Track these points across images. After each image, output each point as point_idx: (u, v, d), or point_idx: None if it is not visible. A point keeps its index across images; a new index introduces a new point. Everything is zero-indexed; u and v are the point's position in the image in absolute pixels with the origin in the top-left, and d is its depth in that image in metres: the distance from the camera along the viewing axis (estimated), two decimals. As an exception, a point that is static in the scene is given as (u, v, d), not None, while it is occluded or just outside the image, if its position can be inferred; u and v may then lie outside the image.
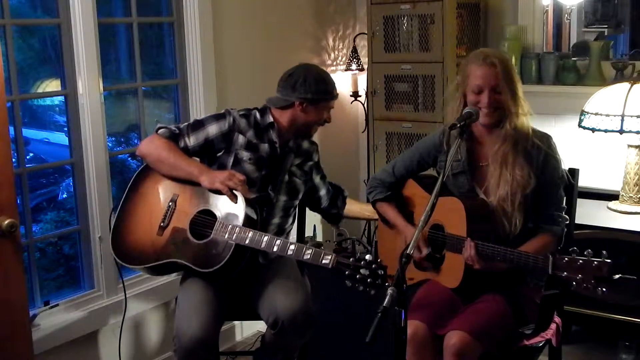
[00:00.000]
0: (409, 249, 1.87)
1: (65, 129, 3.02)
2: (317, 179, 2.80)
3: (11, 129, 2.65)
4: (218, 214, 2.45)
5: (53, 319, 2.86)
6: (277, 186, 2.62)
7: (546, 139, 2.40)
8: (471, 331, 2.20)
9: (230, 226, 2.40)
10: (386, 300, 1.73)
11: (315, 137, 4.07)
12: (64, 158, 3.07)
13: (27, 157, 3.08)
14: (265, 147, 2.61)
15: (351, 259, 2.22)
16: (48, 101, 3.21)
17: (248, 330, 3.67)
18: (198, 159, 2.63)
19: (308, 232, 3.18)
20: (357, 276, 2.20)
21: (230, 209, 2.43)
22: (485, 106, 2.33)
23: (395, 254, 2.01)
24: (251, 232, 2.37)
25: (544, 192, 2.37)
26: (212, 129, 2.57)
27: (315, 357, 3.00)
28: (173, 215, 2.51)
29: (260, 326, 2.56)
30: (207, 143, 2.57)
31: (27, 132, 3.07)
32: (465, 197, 2.41)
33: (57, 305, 2.90)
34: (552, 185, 2.38)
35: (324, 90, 2.60)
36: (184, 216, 2.49)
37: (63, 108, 3.02)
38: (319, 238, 3.54)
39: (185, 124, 2.62)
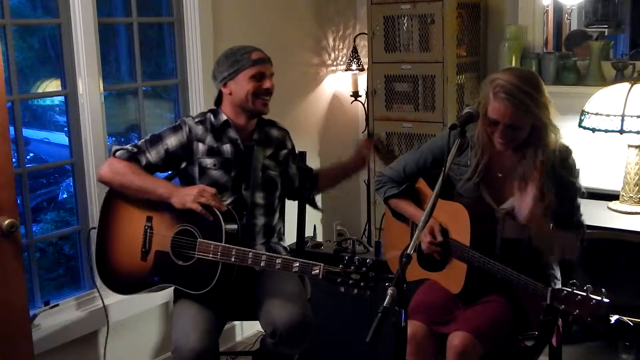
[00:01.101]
0: (409, 249, 1.86)
1: (66, 129, 3.02)
2: (293, 169, 2.72)
3: (11, 129, 2.65)
4: (197, 232, 2.40)
5: (53, 319, 2.86)
6: (251, 184, 2.57)
7: (565, 154, 2.35)
8: (474, 332, 2.20)
9: (212, 245, 2.35)
10: (386, 300, 1.72)
11: (315, 136, 4.10)
12: (64, 158, 3.07)
13: (28, 157, 3.08)
14: (227, 147, 2.56)
15: (340, 266, 2.21)
16: (48, 101, 3.21)
17: (248, 330, 3.67)
18: (163, 175, 2.58)
19: (308, 232, 3.17)
20: (350, 282, 2.19)
21: (208, 225, 2.37)
22: (497, 139, 2.29)
23: (403, 243, 2.00)
24: (235, 249, 2.33)
25: (564, 203, 2.32)
26: (171, 141, 2.53)
27: (316, 357, 3.01)
28: (152, 239, 2.47)
29: (260, 326, 2.56)
30: (169, 156, 2.52)
31: (28, 132, 3.08)
32: (472, 203, 2.37)
33: (57, 305, 2.90)
34: (570, 197, 2.34)
35: (232, 61, 2.52)
36: (163, 239, 2.45)
37: (63, 108, 3.02)
38: (319, 238, 3.54)
39: (143, 140, 2.57)
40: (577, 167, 2.37)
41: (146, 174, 2.47)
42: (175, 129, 2.56)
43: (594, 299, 1.96)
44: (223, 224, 2.36)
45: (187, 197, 2.38)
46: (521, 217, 2.27)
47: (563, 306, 2.01)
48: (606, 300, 1.95)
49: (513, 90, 2.20)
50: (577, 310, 1.98)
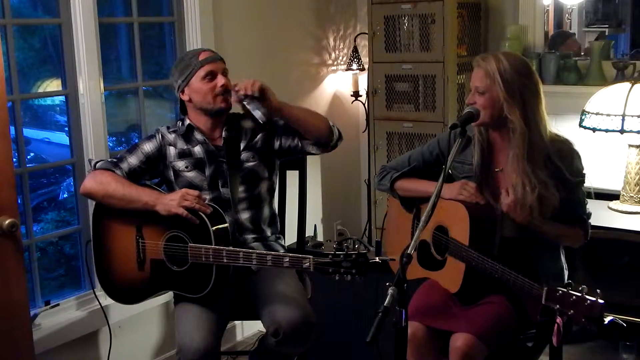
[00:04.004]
0: (409, 249, 1.87)
1: (66, 128, 3.02)
2: (277, 143, 2.63)
3: (12, 128, 2.65)
4: (187, 237, 2.41)
5: (54, 318, 2.87)
6: (227, 180, 2.57)
7: (567, 148, 2.35)
8: (477, 333, 2.20)
9: (203, 249, 2.36)
10: (387, 300, 1.72)
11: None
12: (64, 158, 3.07)
13: (28, 157, 3.08)
14: (197, 149, 2.58)
15: (329, 256, 2.22)
16: (49, 101, 3.21)
17: (248, 330, 3.67)
18: (147, 183, 2.59)
19: (309, 232, 3.17)
20: (341, 270, 2.20)
21: (196, 229, 2.38)
22: (468, 104, 2.34)
23: (404, 243, 2.01)
24: (225, 250, 2.34)
25: (568, 199, 2.33)
26: (147, 147, 2.56)
27: (316, 357, 3.00)
28: (145, 249, 2.48)
29: (260, 326, 2.56)
30: (148, 159, 2.55)
31: (28, 132, 3.07)
32: (474, 202, 2.36)
33: (57, 305, 2.90)
34: (575, 191, 2.35)
35: (183, 67, 2.53)
36: (155, 247, 2.46)
37: (64, 108, 3.02)
38: (320, 238, 3.54)
39: (121, 151, 2.61)
40: (577, 161, 2.36)
41: (130, 183, 2.48)
42: (150, 137, 2.61)
43: (588, 299, 1.94)
44: (210, 225, 2.37)
45: (172, 202, 2.39)
46: (503, 209, 2.27)
47: (558, 306, 2.01)
48: (601, 301, 1.93)
49: (485, 58, 2.30)
50: (572, 311, 1.97)
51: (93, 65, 2.91)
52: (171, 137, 2.59)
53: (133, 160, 2.54)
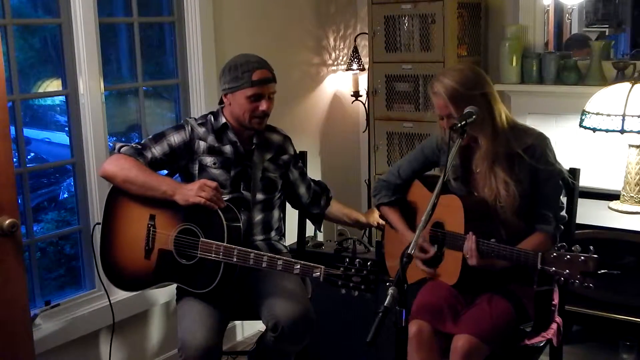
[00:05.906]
0: (409, 249, 1.87)
1: (66, 128, 3.02)
2: (295, 174, 2.75)
3: (12, 128, 2.65)
4: (199, 232, 2.42)
5: (54, 318, 2.86)
6: (250, 185, 2.60)
7: (537, 144, 2.37)
8: (478, 334, 2.21)
9: (214, 245, 2.37)
10: (387, 300, 1.73)
11: (316, 136, 4.10)
12: (64, 158, 3.07)
13: (28, 157, 3.08)
14: (227, 148, 2.59)
15: (341, 269, 2.23)
16: (49, 101, 3.21)
17: (249, 330, 3.67)
18: (166, 172, 2.60)
19: (309, 232, 3.17)
20: (350, 284, 2.21)
21: (210, 225, 2.39)
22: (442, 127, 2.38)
23: (403, 245, 2.03)
24: (236, 250, 2.35)
25: (534, 193, 2.36)
26: (175, 138, 2.56)
27: (316, 356, 3.01)
28: (155, 238, 2.48)
29: (260, 326, 2.56)
30: (172, 151, 2.55)
31: (28, 132, 3.08)
32: (468, 200, 2.40)
33: (58, 305, 2.90)
34: (542, 187, 2.37)
35: (234, 77, 2.49)
36: (166, 238, 2.47)
37: (64, 108, 3.02)
38: (320, 238, 3.54)
39: (147, 138, 2.60)
40: (549, 156, 2.38)
41: (151, 171, 2.50)
42: (178, 127, 2.60)
43: (582, 256, 2.03)
44: (225, 222, 2.38)
45: (190, 192, 2.40)
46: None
47: (553, 268, 2.07)
48: (595, 255, 2.02)
49: (442, 83, 2.34)
50: (567, 270, 2.04)
51: (93, 65, 2.91)
52: (201, 130, 2.59)
53: (157, 151, 2.54)
